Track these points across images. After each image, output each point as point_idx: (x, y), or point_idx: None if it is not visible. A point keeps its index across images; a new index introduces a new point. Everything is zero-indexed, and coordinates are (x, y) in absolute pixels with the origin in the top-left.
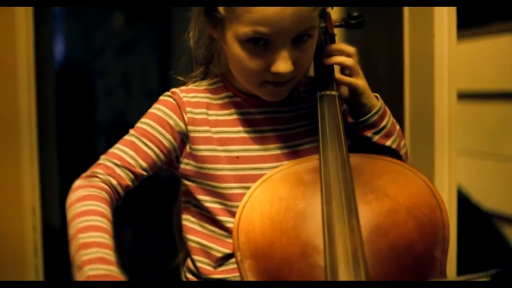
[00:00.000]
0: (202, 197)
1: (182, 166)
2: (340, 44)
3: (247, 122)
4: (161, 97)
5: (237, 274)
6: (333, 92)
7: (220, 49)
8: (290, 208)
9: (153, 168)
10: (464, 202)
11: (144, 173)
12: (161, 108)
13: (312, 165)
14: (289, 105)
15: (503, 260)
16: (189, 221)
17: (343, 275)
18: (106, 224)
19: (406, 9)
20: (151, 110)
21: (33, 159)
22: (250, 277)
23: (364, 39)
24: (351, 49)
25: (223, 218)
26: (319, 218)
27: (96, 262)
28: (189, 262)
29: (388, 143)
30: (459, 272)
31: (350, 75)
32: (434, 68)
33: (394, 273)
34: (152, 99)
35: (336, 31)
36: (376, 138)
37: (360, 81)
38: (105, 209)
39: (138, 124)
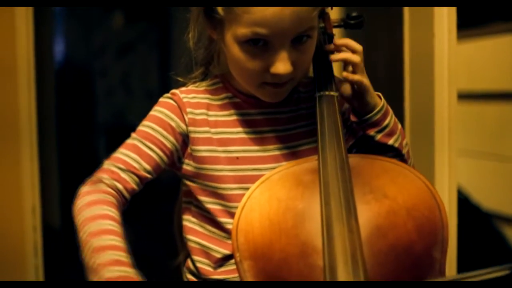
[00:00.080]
0: (202, 198)
1: (184, 166)
2: (347, 40)
3: (247, 123)
4: (161, 99)
5: (237, 275)
6: (332, 93)
7: (220, 50)
8: (289, 208)
9: (157, 170)
10: (464, 202)
11: (149, 176)
12: (162, 110)
13: (311, 165)
14: (289, 106)
15: (503, 260)
16: (189, 222)
17: (342, 275)
18: (117, 227)
19: (406, 9)
20: (152, 112)
21: (33, 159)
22: (249, 277)
23: (364, 39)
24: (358, 46)
25: (223, 219)
26: (318, 218)
27: (112, 264)
28: (189, 262)
29: (390, 142)
30: (459, 272)
31: (354, 73)
32: (434, 68)
33: (393, 274)
34: (152, 99)
35: (336, 31)
36: (378, 136)
37: (365, 79)
38: (115, 213)
39: (140, 127)
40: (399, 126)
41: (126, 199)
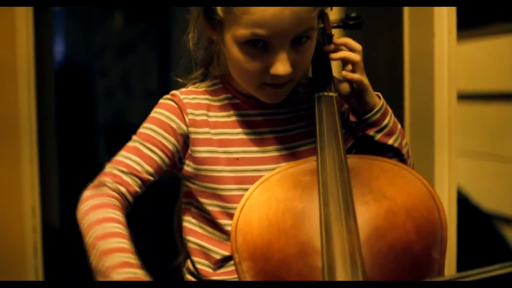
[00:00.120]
0: (202, 199)
1: (184, 167)
2: (346, 39)
3: (247, 123)
4: (161, 100)
5: (237, 275)
6: (331, 93)
7: (220, 51)
8: (288, 209)
9: (159, 172)
10: (464, 202)
11: (151, 178)
12: (162, 111)
13: (310, 166)
14: (288, 106)
15: (502, 261)
16: (189, 223)
17: (341, 275)
18: (123, 230)
19: (406, 9)
20: (152, 114)
21: (33, 159)
22: (248, 278)
23: (364, 39)
24: (357, 45)
25: (223, 221)
26: (316, 219)
27: (120, 266)
28: (189, 263)
29: (390, 141)
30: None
31: (354, 72)
32: (434, 69)
33: (392, 274)
34: (152, 99)
35: (336, 32)
36: (378, 136)
37: (364, 78)
38: (120, 215)
39: (141, 130)
40: (399, 126)
41: (129, 202)
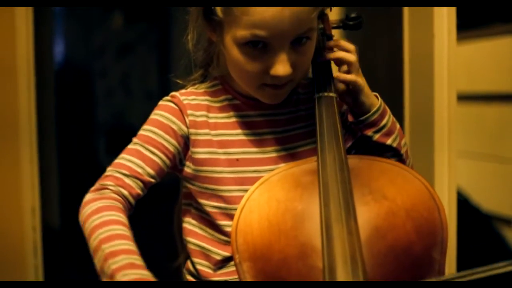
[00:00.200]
0: (202, 200)
1: (185, 169)
2: (339, 40)
3: (246, 124)
4: (161, 102)
5: (237, 276)
6: (331, 94)
7: (219, 52)
8: (288, 210)
9: (160, 174)
10: (463, 203)
11: (153, 180)
12: (162, 113)
13: (310, 167)
14: (288, 107)
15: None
16: (189, 224)
17: (341, 275)
18: (127, 232)
19: (406, 9)
20: (152, 116)
21: (33, 159)
22: (248, 278)
23: (364, 39)
24: (350, 46)
25: (223, 222)
26: (317, 219)
27: (126, 268)
28: (189, 264)
29: (388, 141)
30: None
31: (349, 72)
32: (434, 70)
33: (393, 274)
34: (152, 100)
35: (336, 32)
36: (376, 137)
37: (359, 79)
38: (123, 218)
39: (141, 132)
40: (397, 126)
41: (132, 204)
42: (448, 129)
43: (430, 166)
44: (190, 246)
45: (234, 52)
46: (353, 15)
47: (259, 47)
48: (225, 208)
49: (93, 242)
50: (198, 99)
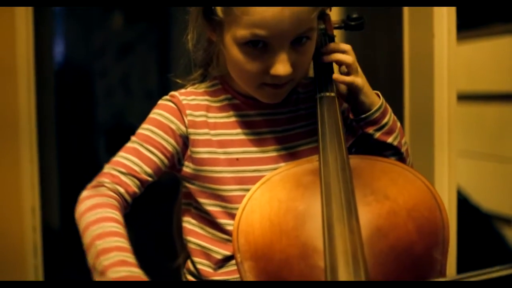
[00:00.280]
0: (202, 200)
1: (184, 169)
2: (335, 43)
3: (246, 124)
4: (160, 101)
5: (238, 275)
6: (332, 94)
7: (219, 51)
8: (290, 209)
9: (157, 173)
10: (463, 203)
11: (150, 179)
12: (161, 113)
13: (311, 166)
14: (288, 106)
15: (502, 261)
16: (189, 223)
17: (343, 275)
18: (120, 229)
19: (406, 9)
20: (151, 115)
21: (32, 159)
22: (250, 278)
23: (364, 39)
24: (346, 46)
25: (223, 221)
26: (318, 219)
27: (117, 265)
28: (189, 263)
29: (389, 140)
30: (459, 273)
31: (348, 73)
32: (434, 69)
33: (394, 274)
34: (152, 99)
35: (336, 32)
36: (377, 135)
37: (358, 79)
38: (117, 215)
39: (140, 131)
40: (398, 124)
41: (128, 202)
42: (448, 129)
43: (430, 165)
44: (191, 246)
45: (234, 52)
46: (354, 15)
47: (259, 47)
48: (226, 207)
49: (86, 239)
50: (197, 99)
